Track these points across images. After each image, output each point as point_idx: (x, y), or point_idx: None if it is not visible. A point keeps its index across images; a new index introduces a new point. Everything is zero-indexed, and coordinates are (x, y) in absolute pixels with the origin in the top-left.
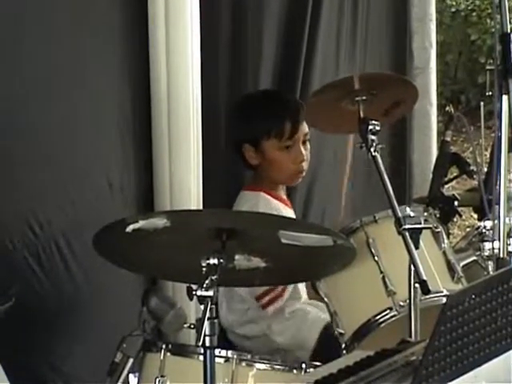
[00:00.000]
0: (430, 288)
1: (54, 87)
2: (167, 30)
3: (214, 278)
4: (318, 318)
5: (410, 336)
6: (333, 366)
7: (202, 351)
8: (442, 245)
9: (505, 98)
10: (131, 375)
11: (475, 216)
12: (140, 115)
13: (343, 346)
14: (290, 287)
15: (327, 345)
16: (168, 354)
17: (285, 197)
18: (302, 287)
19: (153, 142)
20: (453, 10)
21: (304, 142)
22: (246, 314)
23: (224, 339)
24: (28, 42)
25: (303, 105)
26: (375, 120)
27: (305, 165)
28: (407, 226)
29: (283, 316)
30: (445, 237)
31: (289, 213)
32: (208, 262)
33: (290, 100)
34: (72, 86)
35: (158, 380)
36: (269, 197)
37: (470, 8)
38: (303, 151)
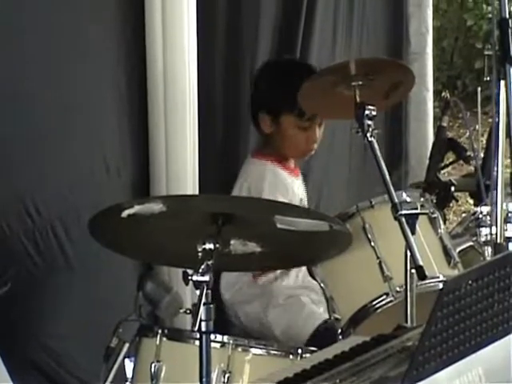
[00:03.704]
0: (427, 273)
1: (51, 73)
2: (163, 12)
3: (209, 262)
4: (314, 313)
5: (407, 321)
6: (329, 352)
7: (198, 336)
8: (439, 230)
9: (502, 83)
10: (127, 360)
11: (471, 201)
12: (137, 100)
13: (339, 331)
14: None
15: (321, 342)
16: (164, 338)
17: (293, 165)
18: None
19: (149, 127)
20: None
21: (320, 124)
22: (239, 293)
23: (222, 314)
24: (25, 26)
25: None
26: (371, 105)
27: (315, 146)
28: (404, 212)
29: (277, 301)
30: (441, 222)
31: (295, 184)
32: (204, 246)
33: None
34: (69, 72)
35: (153, 365)
36: (276, 167)
37: None
38: (317, 133)
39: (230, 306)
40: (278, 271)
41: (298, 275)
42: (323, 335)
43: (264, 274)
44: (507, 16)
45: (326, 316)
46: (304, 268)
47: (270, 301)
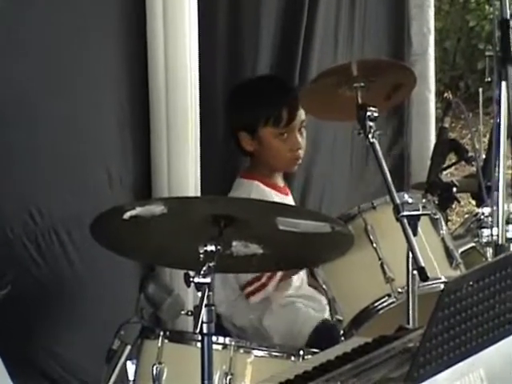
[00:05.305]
0: (429, 275)
1: (52, 79)
2: (165, 16)
3: (211, 264)
4: (310, 315)
5: (408, 323)
6: (331, 353)
7: (200, 338)
8: (441, 231)
9: (504, 84)
10: (129, 362)
11: (473, 202)
12: (138, 104)
13: (341, 332)
14: (277, 277)
15: (320, 343)
16: (166, 340)
17: (281, 184)
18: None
19: (151, 131)
20: None
21: (300, 129)
22: (233, 305)
23: (219, 327)
24: (26, 31)
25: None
26: (373, 106)
27: (301, 152)
28: (405, 213)
29: (271, 311)
30: (443, 223)
31: (285, 201)
32: (205, 248)
33: (287, 86)
34: (70, 77)
35: (155, 367)
36: (263, 186)
37: None
38: (299, 139)
39: (225, 319)
40: (270, 288)
41: (297, 284)
42: (321, 335)
43: (255, 294)
44: (508, 17)
45: (323, 316)
46: (304, 277)
47: (265, 310)
